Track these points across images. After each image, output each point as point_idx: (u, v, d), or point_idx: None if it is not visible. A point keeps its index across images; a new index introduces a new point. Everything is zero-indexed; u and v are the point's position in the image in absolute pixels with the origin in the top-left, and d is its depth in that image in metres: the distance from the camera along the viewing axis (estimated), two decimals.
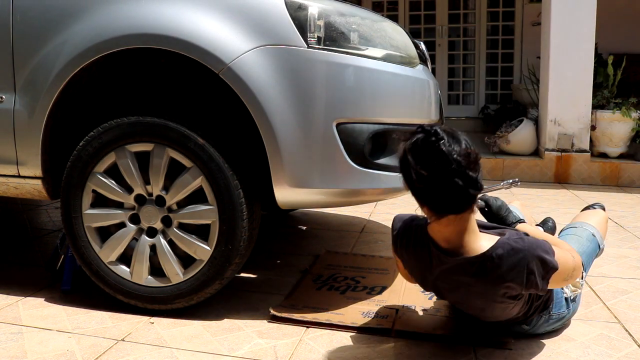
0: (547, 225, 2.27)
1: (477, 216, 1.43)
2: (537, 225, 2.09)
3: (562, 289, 1.57)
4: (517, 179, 1.75)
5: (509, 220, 1.68)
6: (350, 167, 1.59)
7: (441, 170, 1.23)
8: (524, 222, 1.69)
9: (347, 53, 1.59)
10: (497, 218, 1.69)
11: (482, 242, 1.35)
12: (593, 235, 1.80)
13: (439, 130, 1.25)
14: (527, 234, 1.41)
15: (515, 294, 1.35)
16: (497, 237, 1.36)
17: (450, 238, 1.36)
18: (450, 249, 1.36)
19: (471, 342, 1.53)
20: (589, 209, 1.98)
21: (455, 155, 1.22)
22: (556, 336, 1.59)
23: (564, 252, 1.43)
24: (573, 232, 1.81)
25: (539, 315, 1.52)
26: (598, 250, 1.80)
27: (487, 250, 1.31)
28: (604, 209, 1.96)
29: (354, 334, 1.59)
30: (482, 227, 1.50)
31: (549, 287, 1.37)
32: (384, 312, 1.71)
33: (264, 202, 1.77)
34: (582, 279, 1.68)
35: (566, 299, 1.58)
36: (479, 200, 1.67)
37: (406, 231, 1.50)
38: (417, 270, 1.49)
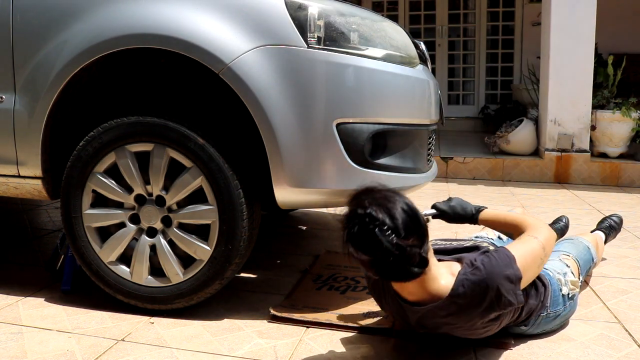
0: (559, 224, 2.28)
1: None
2: (550, 224, 2.17)
3: (560, 286, 1.58)
4: (431, 213, 1.71)
5: (469, 213, 1.67)
6: (350, 167, 1.59)
7: (383, 257, 1.20)
8: (484, 208, 1.69)
9: (347, 53, 1.59)
10: (457, 218, 1.69)
11: (442, 281, 1.32)
12: (588, 247, 1.90)
13: (373, 213, 1.19)
14: (487, 250, 1.40)
15: (495, 316, 1.34)
16: (458, 268, 1.35)
17: (413, 291, 1.34)
18: (416, 300, 1.35)
19: (471, 342, 1.53)
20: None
21: (395, 241, 1.19)
22: (556, 336, 1.59)
23: (525, 243, 1.43)
24: (569, 242, 1.91)
25: (537, 315, 1.52)
26: (592, 263, 1.91)
27: (450, 292, 1.30)
28: (605, 235, 2.22)
29: (354, 334, 1.59)
30: (441, 253, 1.51)
31: (528, 279, 1.38)
32: (384, 312, 1.71)
33: (264, 202, 1.77)
34: (579, 278, 1.71)
35: (563, 295, 1.58)
36: (430, 217, 1.70)
37: (374, 286, 1.53)
38: (398, 317, 1.50)
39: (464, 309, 1.31)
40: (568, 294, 1.60)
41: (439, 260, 1.41)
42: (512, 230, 1.60)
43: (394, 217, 1.20)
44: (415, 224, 1.23)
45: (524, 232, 1.52)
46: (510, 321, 1.46)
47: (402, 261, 1.22)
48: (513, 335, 1.55)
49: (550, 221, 2.40)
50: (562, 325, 1.63)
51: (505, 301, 1.30)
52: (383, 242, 1.18)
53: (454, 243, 1.68)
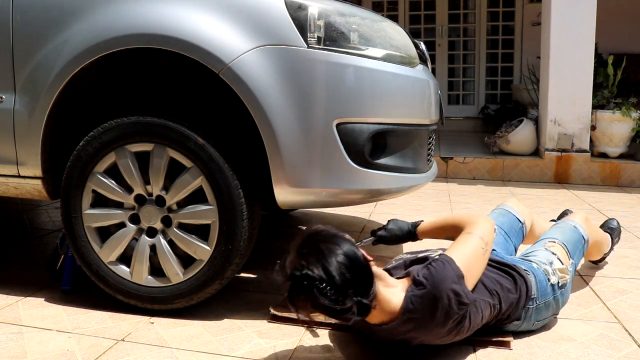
0: (611, 225, 2.26)
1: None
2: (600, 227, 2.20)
3: (547, 276, 1.59)
4: (370, 240, 1.83)
5: (406, 231, 1.78)
6: (350, 167, 1.59)
7: (326, 310, 1.25)
8: (420, 222, 1.78)
9: (347, 53, 1.59)
10: (396, 239, 1.79)
11: (395, 299, 1.35)
12: (574, 227, 1.84)
13: (310, 273, 1.21)
14: (432, 262, 1.40)
15: (457, 319, 1.35)
16: (407, 284, 1.37)
17: (371, 316, 1.34)
18: (377, 322, 1.37)
19: (471, 342, 1.53)
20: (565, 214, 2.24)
21: (334, 297, 1.21)
22: (556, 336, 1.59)
23: (462, 242, 1.47)
24: (555, 227, 1.88)
25: (526, 308, 1.53)
26: (584, 241, 1.83)
27: (402, 310, 1.33)
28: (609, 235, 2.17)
29: (354, 334, 1.59)
30: (391, 269, 1.55)
31: (475, 274, 1.41)
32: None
33: (264, 202, 1.77)
34: (569, 266, 1.68)
35: (552, 285, 1.59)
36: (371, 243, 1.83)
37: None
38: (370, 334, 1.49)
39: (420, 322, 1.33)
40: (558, 282, 1.60)
41: (397, 276, 1.45)
42: (453, 233, 1.61)
43: (330, 273, 1.21)
44: (354, 273, 1.25)
45: (462, 230, 1.54)
46: (492, 319, 1.48)
47: (344, 311, 1.25)
48: (513, 333, 1.55)
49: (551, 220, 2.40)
50: (556, 317, 1.65)
51: (457, 303, 1.32)
52: (322, 301, 1.20)
53: (410, 256, 1.66)
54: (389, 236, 1.78)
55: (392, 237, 1.78)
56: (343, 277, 1.23)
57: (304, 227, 2.84)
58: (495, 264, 1.57)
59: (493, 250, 1.67)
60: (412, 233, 1.77)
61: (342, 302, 1.22)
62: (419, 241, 1.80)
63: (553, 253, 1.68)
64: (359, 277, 1.26)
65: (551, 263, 1.63)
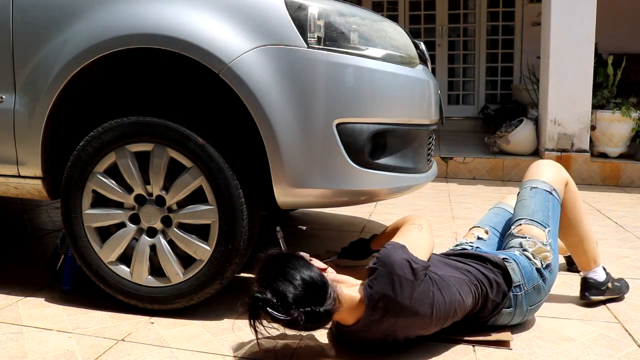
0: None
1: None
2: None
3: (530, 262, 1.60)
4: (333, 257, 1.94)
5: (363, 244, 1.94)
6: (350, 167, 1.59)
7: (289, 325, 1.34)
8: (375, 235, 1.95)
9: (347, 53, 1.59)
10: (356, 254, 1.95)
11: (356, 294, 1.42)
12: (532, 187, 1.77)
13: (260, 296, 1.32)
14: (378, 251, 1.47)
15: (422, 290, 1.39)
16: (364, 282, 1.44)
17: (343, 318, 1.43)
18: (352, 322, 1.43)
19: (471, 342, 1.53)
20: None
21: (283, 317, 1.31)
22: (556, 336, 1.59)
23: (401, 230, 1.58)
24: (527, 199, 1.75)
25: (514, 294, 1.56)
26: (549, 196, 1.74)
27: (365, 298, 1.39)
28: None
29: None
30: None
31: (417, 246, 1.47)
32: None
33: (264, 202, 1.77)
34: (547, 239, 1.65)
35: (537, 269, 1.60)
36: (336, 257, 1.93)
37: None
38: (356, 339, 1.52)
39: (387, 305, 1.37)
40: (542, 264, 1.61)
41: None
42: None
43: (283, 294, 1.32)
44: (308, 292, 1.34)
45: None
46: (481, 304, 1.51)
47: (294, 322, 1.32)
48: (510, 327, 1.57)
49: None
50: (546, 299, 1.67)
51: (409, 269, 1.38)
52: (281, 319, 1.31)
53: None
54: (351, 251, 1.94)
55: (353, 252, 1.93)
56: (297, 297, 1.32)
57: (304, 227, 2.86)
58: (469, 257, 1.63)
59: (477, 247, 1.75)
60: (366, 244, 1.92)
61: (289, 314, 1.31)
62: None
63: (523, 237, 1.67)
64: (309, 289, 1.35)
65: (525, 250, 1.63)
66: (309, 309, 1.32)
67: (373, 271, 1.40)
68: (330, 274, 1.44)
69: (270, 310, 1.31)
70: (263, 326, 1.36)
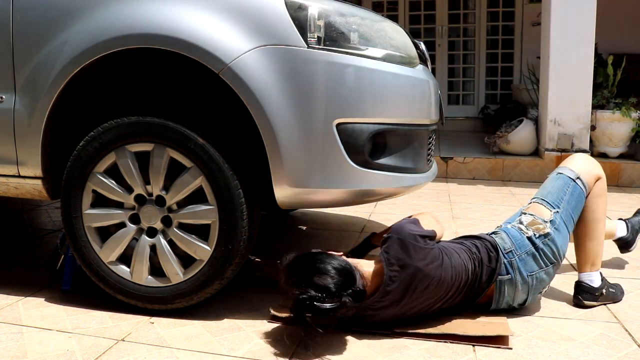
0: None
1: None
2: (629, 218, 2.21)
3: (521, 230, 1.71)
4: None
5: (363, 240, 2.06)
6: (350, 167, 1.59)
7: (334, 313, 1.44)
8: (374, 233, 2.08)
9: (347, 53, 1.59)
10: (358, 249, 2.04)
11: (375, 267, 1.57)
12: (559, 173, 1.85)
13: (304, 295, 1.42)
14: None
15: (432, 254, 1.53)
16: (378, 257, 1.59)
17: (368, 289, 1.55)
18: (372, 291, 1.54)
19: (471, 341, 1.53)
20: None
21: (334, 305, 1.42)
22: (556, 336, 1.59)
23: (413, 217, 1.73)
24: (548, 182, 1.86)
25: (508, 260, 1.66)
26: (572, 182, 1.80)
27: (384, 264, 1.52)
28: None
29: (353, 333, 1.59)
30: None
31: (427, 222, 1.65)
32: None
33: (264, 202, 1.77)
34: (550, 217, 1.73)
35: (529, 237, 1.69)
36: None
37: None
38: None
39: (403, 267, 1.50)
40: (534, 234, 1.69)
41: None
42: None
43: (325, 287, 1.43)
44: (343, 277, 1.46)
45: None
46: (478, 275, 1.62)
47: (354, 301, 1.46)
48: (519, 305, 1.71)
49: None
50: (556, 265, 1.71)
51: (421, 237, 1.55)
52: (332, 307, 1.42)
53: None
54: (358, 250, 2.03)
55: (359, 250, 2.03)
56: (337, 286, 1.44)
57: (304, 227, 2.86)
58: (462, 237, 1.81)
59: None
60: (368, 241, 2.03)
61: (337, 301, 1.42)
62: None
63: (524, 213, 1.78)
64: (342, 274, 1.47)
65: (520, 222, 1.75)
66: (350, 290, 1.45)
67: (385, 243, 1.55)
68: (347, 259, 1.56)
69: (318, 304, 1.40)
70: (313, 327, 1.42)
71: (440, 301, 1.59)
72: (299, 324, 1.44)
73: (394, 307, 1.54)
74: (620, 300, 1.86)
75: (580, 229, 1.84)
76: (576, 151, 4.33)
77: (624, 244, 2.17)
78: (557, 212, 1.74)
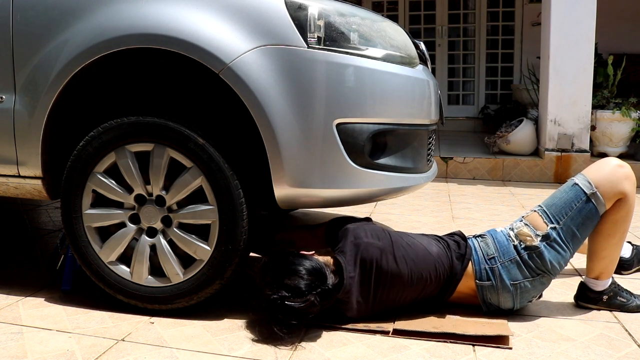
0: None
1: None
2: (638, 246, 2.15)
3: (508, 237, 1.69)
4: None
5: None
6: (351, 167, 1.59)
7: (305, 310, 1.51)
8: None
9: (347, 53, 1.59)
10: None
11: (329, 257, 1.62)
12: (574, 184, 1.67)
13: (278, 295, 1.48)
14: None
15: (382, 236, 1.60)
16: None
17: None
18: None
19: (471, 341, 1.53)
20: None
21: (303, 305, 1.48)
22: (556, 336, 1.59)
23: None
24: (559, 191, 1.71)
25: (489, 267, 1.65)
26: (584, 196, 1.63)
27: (343, 261, 1.57)
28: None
29: (353, 334, 1.59)
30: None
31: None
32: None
33: (264, 202, 1.77)
34: (544, 231, 1.63)
35: (515, 246, 1.66)
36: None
37: None
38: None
39: (357, 248, 1.57)
40: (520, 243, 1.65)
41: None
42: None
43: (295, 287, 1.48)
44: (313, 277, 1.51)
45: None
46: (447, 263, 1.64)
47: (323, 300, 1.52)
48: (508, 312, 1.69)
49: None
50: (545, 275, 1.66)
51: (361, 222, 1.69)
52: (301, 307, 1.48)
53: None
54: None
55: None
56: (302, 282, 1.49)
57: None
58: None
59: None
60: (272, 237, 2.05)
61: (306, 300, 1.48)
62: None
63: (520, 220, 1.73)
64: (313, 273, 1.51)
65: (512, 228, 1.72)
66: (319, 289, 1.50)
67: (337, 242, 1.64)
68: (317, 257, 1.60)
69: (288, 303, 1.46)
70: (284, 325, 1.49)
71: (410, 287, 1.61)
72: (273, 323, 1.50)
73: (364, 295, 1.58)
74: (632, 311, 1.75)
75: (593, 240, 1.72)
76: (576, 151, 4.33)
77: (621, 265, 2.08)
78: (555, 227, 1.63)
